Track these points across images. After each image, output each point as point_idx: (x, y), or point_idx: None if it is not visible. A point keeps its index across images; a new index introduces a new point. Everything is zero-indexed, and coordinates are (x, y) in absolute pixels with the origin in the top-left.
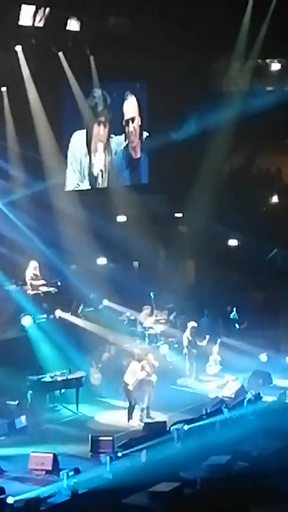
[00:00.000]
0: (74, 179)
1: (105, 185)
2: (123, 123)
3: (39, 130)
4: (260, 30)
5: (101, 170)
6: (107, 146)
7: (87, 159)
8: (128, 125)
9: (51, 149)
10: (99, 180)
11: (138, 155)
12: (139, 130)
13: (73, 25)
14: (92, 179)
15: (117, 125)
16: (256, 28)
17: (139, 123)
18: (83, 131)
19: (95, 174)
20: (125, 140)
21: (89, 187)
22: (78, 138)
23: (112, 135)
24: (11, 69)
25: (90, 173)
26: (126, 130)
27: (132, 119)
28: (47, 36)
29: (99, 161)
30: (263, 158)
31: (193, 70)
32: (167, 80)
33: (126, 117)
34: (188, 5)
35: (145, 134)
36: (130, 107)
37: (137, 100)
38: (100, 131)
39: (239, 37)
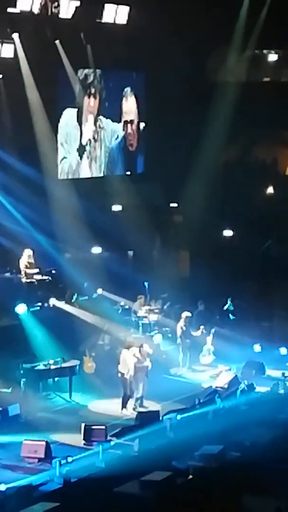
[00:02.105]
0: (61, 152)
1: (101, 174)
2: (122, 123)
3: (35, 118)
4: (258, 21)
5: (89, 140)
6: (97, 118)
7: (76, 131)
8: (126, 126)
9: (46, 137)
10: (87, 148)
11: (135, 148)
12: (137, 128)
13: (67, 12)
14: (81, 149)
15: (113, 111)
16: (253, 19)
17: (137, 123)
18: (75, 108)
19: (83, 143)
20: (123, 130)
21: (78, 158)
22: (69, 113)
23: (108, 119)
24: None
25: (80, 144)
26: (125, 128)
27: (131, 121)
28: (44, 24)
29: (88, 131)
30: (259, 149)
31: (190, 60)
32: (164, 71)
33: (125, 117)
34: None
35: (142, 124)
36: (129, 107)
37: (135, 95)
38: (90, 102)
39: (237, 27)
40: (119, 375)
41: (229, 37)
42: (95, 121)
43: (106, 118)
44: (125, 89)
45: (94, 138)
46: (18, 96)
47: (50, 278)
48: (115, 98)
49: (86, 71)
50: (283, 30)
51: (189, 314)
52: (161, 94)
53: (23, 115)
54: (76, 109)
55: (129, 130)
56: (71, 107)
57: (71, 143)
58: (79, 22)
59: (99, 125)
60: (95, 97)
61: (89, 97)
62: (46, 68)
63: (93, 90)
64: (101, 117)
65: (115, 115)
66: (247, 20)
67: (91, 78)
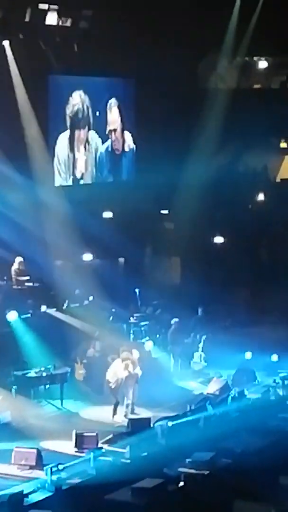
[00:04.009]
0: (59, 180)
1: (90, 181)
2: (107, 131)
3: (25, 125)
4: (248, 28)
5: (82, 173)
6: (88, 148)
7: (70, 161)
8: (110, 134)
9: (37, 144)
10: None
11: (122, 153)
12: (122, 135)
13: (52, 19)
14: (76, 181)
15: (101, 124)
16: (244, 26)
17: (121, 129)
18: (67, 134)
19: (77, 176)
20: (108, 139)
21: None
22: (62, 140)
23: (95, 134)
24: None
25: (74, 175)
26: (110, 136)
27: (115, 130)
28: (35, 31)
29: (81, 163)
30: (249, 156)
31: (180, 67)
32: (154, 77)
33: (110, 127)
34: (177, 2)
35: (128, 134)
36: (113, 117)
37: (121, 105)
38: (80, 134)
39: (227, 34)
40: (108, 383)
41: (219, 44)
42: (85, 146)
43: (94, 130)
44: (109, 101)
45: (85, 169)
46: (8, 103)
47: (41, 285)
48: (102, 108)
49: (74, 104)
50: (274, 37)
51: (178, 320)
52: (151, 101)
53: (13, 121)
54: (68, 132)
55: (113, 138)
56: (63, 128)
57: (67, 175)
58: (70, 29)
59: (88, 141)
60: (83, 128)
61: (79, 129)
62: (37, 75)
63: (82, 123)
64: (90, 132)
65: (102, 123)
66: (238, 27)
67: (80, 113)
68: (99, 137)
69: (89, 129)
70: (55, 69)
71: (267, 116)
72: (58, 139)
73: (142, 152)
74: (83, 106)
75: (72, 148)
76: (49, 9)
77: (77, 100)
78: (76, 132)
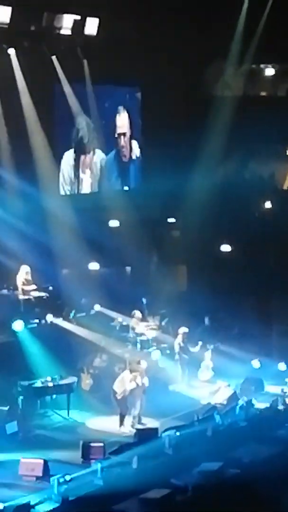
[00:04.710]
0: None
1: (96, 189)
2: (116, 135)
3: (31, 135)
4: (255, 35)
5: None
6: (94, 170)
7: (75, 182)
8: (119, 138)
9: (44, 153)
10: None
11: (128, 160)
12: (129, 142)
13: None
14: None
15: (109, 133)
16: (250, 33)
17: (130, 136)
18: (72, 153)
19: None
20: (115, 147)
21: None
22: (67, 159)
23: (100, 152)
24: (3, 74)
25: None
26: (118, 142)
27: (124, 134)
28: (40, 40)
29: (86, 184)
30: (256, 164)
31: (187, 75)
32: (160, 85)
33: (119, 131)
34: (183, 9)
35: (135, 142)
36: (122, 122)
37: (128, 112)
38: (86, 158)
39: (234, 41)
40: (114, 394)
41: (226, 51)
42: (91, 167)
43: (99, 148)
44: (119, 107)
45: (91, 183)
46: (15, 112)
47: (47, 294)
48: (109, 115)
49: (79, 128)
50: (280, 44)
51: (186, 330)
52: (157, 109)
53: (19, 130)
54: (73, 150)
55: (122, 143)
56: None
57: (70, 188)
58: (75, 37)
59: (94, 163)
60: (88, 153)
61: (84, 154)
62: (43, 83)
63: (87, 148)
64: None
65: (110, 131)
66: (244, 34)
67: (85, 138)
68: (105, 146)
69: (94, 152)
70: (61, 78)
71: (273, 124)
72: (64, 155)
73: (149, 160)
74: (88, 129)
75: (77, 171)
76: (54, 18)
77: (82, 124)
78: (82, 157)
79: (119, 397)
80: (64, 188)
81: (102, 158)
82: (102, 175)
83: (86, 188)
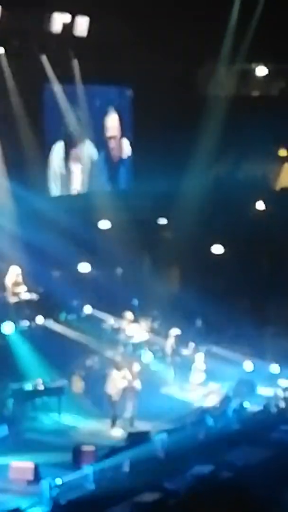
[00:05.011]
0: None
1: (87, 190)
2: (106, 138)
3: (21, 135)
4: (247, 35)
5: (78, 189)
6: (84, 164)
7: (65, 177)
8: (109, 141)
9: (33, 154)
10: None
11: (118, 161)
12: (120, 143)
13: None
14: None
15: (99, 132)
16: (242, 32)
17: (120, 136)
18: (61, 148)
19: (73, 191)
20: (105, 147)
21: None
22: (57, 154)
23: (91, 145)
24: None
25: (70, 190)
26: (108, 143)
27: (114, 136)
28: (30, 39)
29: (77, 180)
30: (248, 164)
31: (178, 74)
32: (152, 85)
33: (108, 134)
34: (175, 9)
35: (125, 140)
36: (112, 123)
37: (119, 112)
38: (77, 152)
39: (226, 41)
40: (107, 396)
41: (218, 51)
42: (81, 162)
43: (90, 140)
44: (108, 108)
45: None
46: (3, 110)
47: (38, 296)
48: (99, 116)
49: (69, 122)
50: (273, 44)
51: (178, 332)
52: (149, 109)
53: (10, 130)
54: (63, 146)
55: (112, 145)
56: (59, 137)
57: (61, 184)
58: (66, 36)
59: (84, 157)
60: (79, 145)
61: (75, 147)
62: (33, 83)
63: (77, 141)
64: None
65: (98, 132)
66: (236, 34)
67: (75, 132)
68: (95, 146)
69: (84, 143)
70: (50, 77)
71: (266, 124)
72: (53, 151)
73: (140, 161)
74: (78, 123)
75: (67, 165)
76: (44, 17)
77: (72, 120)
78: (73, 150)
79: (112, 400)
80: (55, 184)
81: (93, 152)
82: (92, 171)
83: (76, 184)
